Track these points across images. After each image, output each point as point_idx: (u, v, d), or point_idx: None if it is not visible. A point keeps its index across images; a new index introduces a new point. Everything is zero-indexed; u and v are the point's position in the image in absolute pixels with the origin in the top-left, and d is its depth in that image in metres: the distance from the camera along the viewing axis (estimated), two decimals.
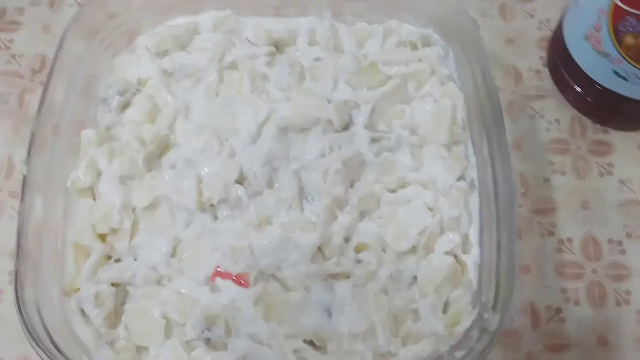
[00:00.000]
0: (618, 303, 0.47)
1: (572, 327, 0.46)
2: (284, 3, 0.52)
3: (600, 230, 0.49)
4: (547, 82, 0.56)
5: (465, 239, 0.42)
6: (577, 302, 0.47)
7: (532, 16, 0.60)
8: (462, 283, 0.40)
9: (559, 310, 0.47)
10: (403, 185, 0.43)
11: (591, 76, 0.50)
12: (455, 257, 0.41)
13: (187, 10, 0.52)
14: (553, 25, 0.58)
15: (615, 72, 0.48)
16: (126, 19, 0.51)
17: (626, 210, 0.50)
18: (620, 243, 0.49)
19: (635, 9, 0.43)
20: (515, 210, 0.38)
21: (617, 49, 0.46)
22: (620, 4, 0.44)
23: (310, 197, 0.44)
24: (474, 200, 0.43)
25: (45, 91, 0.44)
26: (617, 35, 0.46)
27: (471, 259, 0.41)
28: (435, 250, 0.41)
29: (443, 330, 0.38)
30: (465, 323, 0.38)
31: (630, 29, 0.45)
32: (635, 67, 0.46)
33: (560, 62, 0.54)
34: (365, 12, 0.52)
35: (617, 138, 0.53)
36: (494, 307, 0.37)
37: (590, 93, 0.52)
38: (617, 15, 0.45)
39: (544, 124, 0.54)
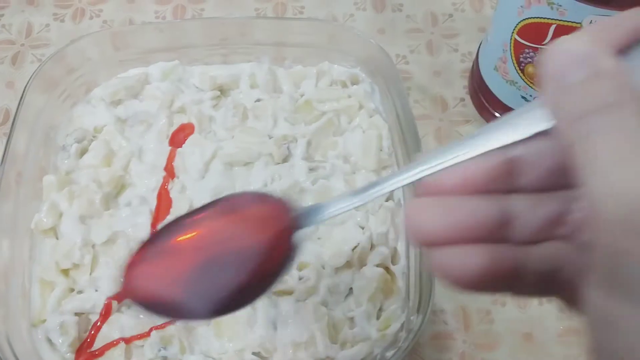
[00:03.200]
0: (541, 302, 0.52)
1: (501, 326, 0.51)
2: (231, 51, 0.58)
3: None
4: (470, 108, 0.62)
5: (394, 252, 0.47)
6: (503, 304, 0.52)
7: (455, 50, 0.66)
8: (393, 291, 0.45)
9: (488, 312, 0.52)
10: None
11: (504, 102, 0.57)
12: (386, 268, 0.46)
13: (139, 62, 0.57)
14: (475, 57, 0.65)
15: (524, 97, 0.54)
16: (83, 73, 0.55)
17: None
18: None
19: (532, 42, 0.50)
20: None
21: (521, 78, 0.53)
22: (519, 38, 0.50)
23: None
24: (401, 217, 0.48)
25: (8, 142, 0.47)
26: (520, 65, 0.52)
27: (399, 269, 0.46)
28: (367, 263, 0.46)
29: (376, 334, 0.43)
30: (395, 326, 0.43)
31: (529, 60, 0.51)
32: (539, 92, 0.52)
33: (479, 90, 0.60)
34: (302, 56, 0.57)
35: None
36: (418, 310, 0.41)
37: None
38: (518, 48, 0.51)
39: None
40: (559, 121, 0.21)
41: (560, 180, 0.23)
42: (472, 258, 0.22)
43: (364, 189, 0.26)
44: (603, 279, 0.19)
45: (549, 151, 0.23)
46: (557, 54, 0.21)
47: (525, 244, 0.24)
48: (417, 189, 0.24)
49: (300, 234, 0.28)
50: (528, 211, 0.23)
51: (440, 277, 0.22)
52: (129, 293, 0.30)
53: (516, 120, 0.23)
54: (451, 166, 0.23)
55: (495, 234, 0.23)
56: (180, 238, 0.29)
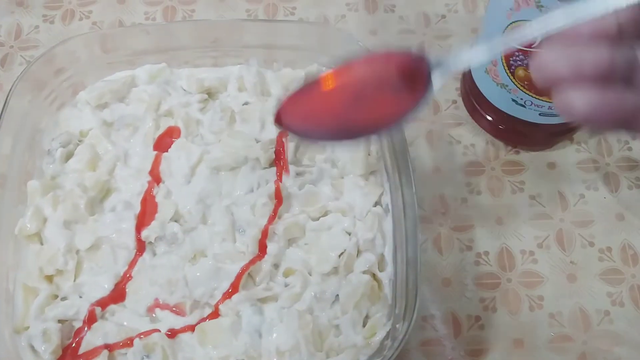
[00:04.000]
0: (532, 308, 0.52)
1: (491, 332, 0.51)
2: (221, 54, 0.57)
3: (513, 243, 0.54)
4: (463, 111, 0.61)
5: (381, 259, 0.46)
6: (494, 310, 0.51)
7: (448, 52, 0.66)
8: (380, 298, 0.44)
9: (478, 318, 0.51)
10: (325, 213, 0.48)
11: (496, 105, 0.56)
12: (373, 275, 0.45)
13: (128, 64, 0.56)
14: None
15: (514, 101, 0.54)
16: (71, 74, 0.54)
17: (537, 224, 0.55)
18: (532, 253, 0.54)
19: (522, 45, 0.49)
20: (418, 230, 0.43)
21: (512, 81, 0.52)
22: None
23: (242, 229, 0.48)
24: (388, 223, 0.47)
25: None
26: (510, 68, 0.51)
27: (386, 276, 0.45)
28: (354, 270, 0.45)
29: (362, 342, 0.42)
30: (381, 334, 0.42)
31: (520, 63, 0.50)
32: (529, 95, 0.52)
33: (470, 93, 0.59)
34: (291, 59, 0.57)
35: (527, 158, 0.59)
36: (403, 317, 0.41)
37: (498, 120, 0.58)
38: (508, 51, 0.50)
39: (460, 149, 0.59)
40: None
41: None
42: (595, 95, 0.25)
43: (495, 39, 0.30)
44: None
45: None
46: None
47: None
48: (560, 37, 0.27)
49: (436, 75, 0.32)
50: None
51: (562, 113, 0.26)
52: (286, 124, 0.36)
53: None
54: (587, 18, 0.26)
55: (623, 77, 0.25)
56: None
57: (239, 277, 0.44)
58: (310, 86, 0.37)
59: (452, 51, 0.33)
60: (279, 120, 0.37)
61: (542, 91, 0.51)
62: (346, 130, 0.35)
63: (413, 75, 0.33)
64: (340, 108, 0.35)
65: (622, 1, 0.25)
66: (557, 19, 0.27)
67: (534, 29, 0.28)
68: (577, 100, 0.25)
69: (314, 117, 0.36)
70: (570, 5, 0.27)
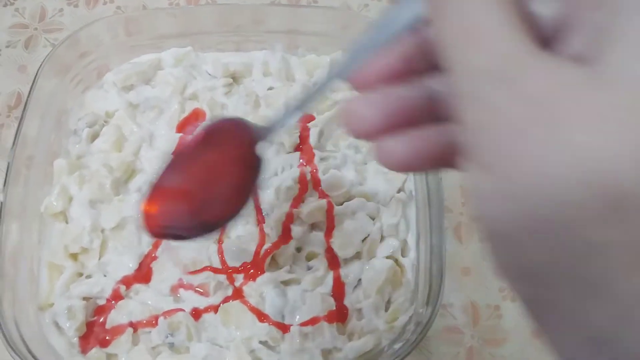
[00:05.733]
0: None
1: (509, 322, 0.51)
2: (244, 39, 0.58)
3: None
4: None
5: (404, 244, 0.46)
6: (513, 299, 0.51)
7: None
8: (402, 283, 0.45)
9: (497, 308, 0.51)
10: (348, 198, 0.48)
11: None
12: (396, 260, 0.46)
13: (151, 48, 0.57)
14: None
15: None
16: (95, 57, 0.55)
17: None
18: None
19: None
20: (443, 216, 0.43)
21: None
22: None
23: (265, 212, 0.48)
24: (412, 209, 0.47)
25: (19, 126, 0.47)
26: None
27: (409, 262, 0.45)
28: (377, 255, 0.45)
29: (384, 326, 0.42)
30: (403, 319, 0.42)
31: None
32: None
33: None
34: (315, 44, 0.57)
35: None
36: (427, 303, 0.41)
37: None
38: None
39: None
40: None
41: None
42: (407, 143, 0.24)
43: (301, 100, 0.29)
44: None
45: None
46: None
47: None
48: (351, 83, 0.26)
49: (261, 146, 0.32)
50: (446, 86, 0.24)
51: (383, 164, 0.24)
52: (151, 231, 0.35)
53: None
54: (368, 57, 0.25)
55: (430, 114, 0.24)
56: (177, 175, 0.34)
57: (263, 259, 0.44)
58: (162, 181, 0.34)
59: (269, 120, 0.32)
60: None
61: None
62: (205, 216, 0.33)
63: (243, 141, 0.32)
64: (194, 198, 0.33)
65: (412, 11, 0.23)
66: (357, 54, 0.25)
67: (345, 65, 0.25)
68: (395, 148, 0.24)
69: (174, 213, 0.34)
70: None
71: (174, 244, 0.46)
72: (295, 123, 0.30)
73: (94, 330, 0.44)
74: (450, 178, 0.57)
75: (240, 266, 0.45)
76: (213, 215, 0.33)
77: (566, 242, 0.17)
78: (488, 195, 0.18)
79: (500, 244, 0.19)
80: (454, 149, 0.23)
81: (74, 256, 0.46)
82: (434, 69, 0.24)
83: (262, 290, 0.44)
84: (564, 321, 0.18)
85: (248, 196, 0.33)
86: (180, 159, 0.34)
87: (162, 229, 0.34)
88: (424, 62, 0.24)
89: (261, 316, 0.43)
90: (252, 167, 0.32)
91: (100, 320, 0.44)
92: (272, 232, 0.46)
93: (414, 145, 0.24)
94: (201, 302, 0.44)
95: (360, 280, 0.45)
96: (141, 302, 0.44)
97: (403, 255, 0.46)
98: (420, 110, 0.24)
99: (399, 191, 0.48)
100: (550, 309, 0.18)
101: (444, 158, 0.24)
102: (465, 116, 0.19)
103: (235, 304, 0.44)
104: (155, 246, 0.46)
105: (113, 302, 0.44)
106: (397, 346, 0.40)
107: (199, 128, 0.34)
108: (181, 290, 0.45)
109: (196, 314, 0.44)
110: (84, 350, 0.43)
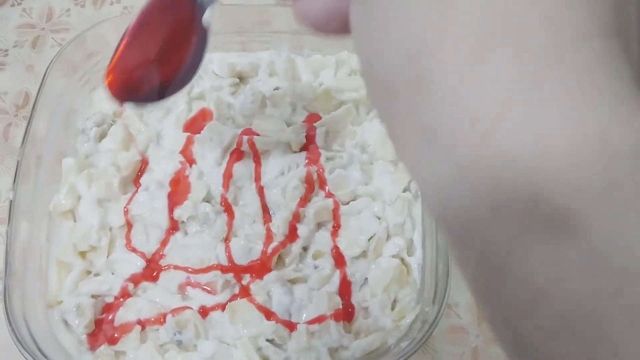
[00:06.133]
0: None
1: None
2: (249, 39, 0.58)
3: None
4: None
5: (410, 243, 0.47)
6: None
7: None
8: (408, 282, 0.45)
9: None
10: (354, 197, 0.48)
11: None
12: (402, 259, 0.46)
13: None
14: None
15: None
16: (103, 57, 0.55)
17: None
18: None
19: None
20: None
21: None
22: None
23: (272, 211, 0.48)
24: (418, 209, 0.47)
25: (28, 125, 0.48)
26: None
27: (415, 261, 0.46)
28: (383, 254, 0.46)
29: (390, 324, 0.43)
30: (410, 317, 0.42)
31: None
32: None
33: None
34: (321, 45, 0.57)
35: None
36: (433, 302, 0.41)
37: None
38: None
39: None
40: None
41: None
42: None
43: None
44: None
45: None
46: None
47: None
48: None
49: (206, 16, 0.35)
50: None
51: (301, 24, 0.25)
52: (117, 98, 0.38)
53: None
54: None
55: None
56: (134, 45, 0.37)
57: (269, 257, 0.45)
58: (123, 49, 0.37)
59: None
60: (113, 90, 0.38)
61: None
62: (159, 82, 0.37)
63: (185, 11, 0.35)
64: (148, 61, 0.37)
65: None
66: None
67: None
68: (314, 5, 0.24)
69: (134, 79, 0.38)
70: None
71: (181, 241, 0.47)
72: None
73: (103, 328, 0.44)
74: None
75: (248, 265, 0.45)
76: (167, 78, 0.36)
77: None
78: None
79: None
80: None
81: (83, 254, 0.46)
82: None
83: (269, 288, 0.44)
84: (403, 116, 0.19)
85: (199, 62, 0.36)
86: (133, 31, 0.36)
87: (126, 95, 0.38)
88: None
89: (268, 314, 0.43)
90: (199, 35, 0.35)
91: (109, 318, 0.44)
92: (279, 231, 0.46)
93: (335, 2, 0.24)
94: (209, 300, 0.44)
95: (366, 279, 0.45)
96: (149, 300, 0.44)
97: (409, 255, 0.46)
98: None
99: (404, 190, 0.48)
100: (393, 109, 0.20)
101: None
102: None
103: (243, 302, 0.44)
104: (163, 244, 0.46)
105: (121, 299, 0.45)
106: (403, 344, 0.40)
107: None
108: (189, 288, 0.45)
109: (204, 312, 0.44)
110: (93, 347, 0.43)
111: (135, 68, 0.37)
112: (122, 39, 0.37)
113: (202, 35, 0.35)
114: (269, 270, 0.45)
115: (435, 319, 0.40)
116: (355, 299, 0.44)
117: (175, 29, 0.36)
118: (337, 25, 0.24)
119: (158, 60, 0.36)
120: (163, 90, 0.37)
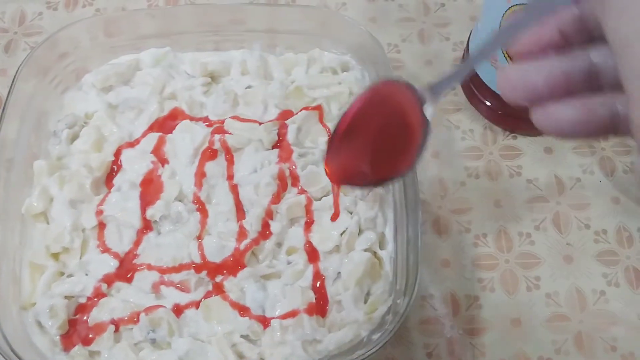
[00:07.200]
0: (529, 288, 0.53)
1: (489, 312, 0.52)
2: (223, 38, 0.58)
3: (511, 225, 0.55)
4: (461, 96, 0.62)
5: (382, 237, 0.47)
6: (492, 290, 0.52)
7: (447, 39, 0.66)
8: (380, 275, 0.45)
9: (476, 298, 0.52)
10: (327, 193, 0.49)
11: (494, 89, 0.57)
12: (374, 253, 0.46)
13: (131, 48, 0.57)
14: (465, 45, 0.65)
15: None
16: (74, 59, 0.55)
17: (533, 206, 0.56)
18: (529, 235, 0.55)
19: None
20: (419, 210, 0.44)
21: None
22: None
23: (245, 208, 0.48)
24: (389, 203, 0.48)
25: None
26: (509, 52, 0.52)
27: (387, 254, 0.46)
28: (355, 248, 0.46)
29: (363, 317, 0.43)
30: (382, 309, 0.43)
31: None
32: None
33: (469, 79, 0.60)
34: (293, 43, 0.58)
35: (525, 143, 0.60)
36: (404, 293, 0.42)
37: (496, 105, 0.59)
38: None
39: (459, 134, 0.60)
40: None
41: None
42: (569, 110, 0.25)
43: (467, 61, 0.31)
44: None
45: None
46: None
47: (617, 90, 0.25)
48: (511, 52, 0.28)
49: (427, 108, 0.33)
50: (608, 59, 0.26)
51: (547, 129, 0.26)
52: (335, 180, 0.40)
53: None
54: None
55: (588, 85, 0.26)
56: (351, 138, 0.37)
57: (242, 254, 0.45)
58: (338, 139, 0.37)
59: (439, 78, 0.33)
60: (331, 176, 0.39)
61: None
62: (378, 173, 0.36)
63: (404, 105, 0.34)
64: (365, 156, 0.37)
65: None
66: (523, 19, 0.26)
67: (508, 31, 0.27)
68: (562, 114, 0.25)
69: (350, 168, 0.38)
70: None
71: (154, 241, 0.47)
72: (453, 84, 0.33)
73: (77, 329, 0.44)
74: (428, 172, 0.58)
75: (221, 262, 0.45)
76: (383, 175, 0.36)
77: None
78: None
79: None
80: (617, 118, 0.25)
81: (56, 256, 0.46)
82: (588, 41, 0.26)
83: (243, 285, 0.44)
84: None
85: (418, 154, 0.34)
86: (351, 121, 0.36)
87: (343, 182, 0.40)
88: (579, 35, 0.26)
89: (242, 310, 0.44)
90: (419, 127, 0.33)
91: (83, 318, 0.44)
92: (252, 228, 0.46)
93: (581, 112, 0.25)
94: (182, 298, 0.45)
95: (339, 273, 0.46)
96: (123, 299, 0.44)
97: (381, 248, 0.47)
98: (578, 80, 0.26)
99: None
100: None
101: (606, 126, 0.26)
102: (634, 91, 0.21)
103: (216, 299, 0.44)
104: (136, 244, 0.47)
105: (95, 299, 0.45)
106: (376, 336, 0.41)
107: (365, 90, 0.36)
108: (162, 287, 0.45)
109: (178, 310, 0.44)
110: (67, 348, 0.43)
111: (353, 161, 0.37)
112: (341, 122, 0.36)
113: (423, 127, 0.34)
114: (243, 267, 0.45)
115: (406, 309, 0.40)
116: (329, 292, 0.45)
117: (395, 121, 0.35)
118: (586, 132, 0.26)
119: (376, 151, 0.36)
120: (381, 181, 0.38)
